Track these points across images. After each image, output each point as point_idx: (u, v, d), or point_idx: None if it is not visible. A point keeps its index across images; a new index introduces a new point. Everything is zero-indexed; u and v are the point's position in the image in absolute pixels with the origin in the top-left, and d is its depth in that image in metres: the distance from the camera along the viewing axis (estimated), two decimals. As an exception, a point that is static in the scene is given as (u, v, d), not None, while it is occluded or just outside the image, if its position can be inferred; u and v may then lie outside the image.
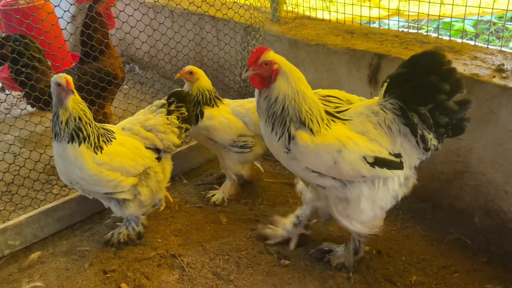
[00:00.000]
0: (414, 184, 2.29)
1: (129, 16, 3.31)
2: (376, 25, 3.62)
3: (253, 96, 2.25)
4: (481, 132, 2.55)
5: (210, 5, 3.72)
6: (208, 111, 2.94)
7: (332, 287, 2.40)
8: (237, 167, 3.06)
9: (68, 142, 2.34)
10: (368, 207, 2.20)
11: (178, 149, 3.27)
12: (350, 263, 2.47)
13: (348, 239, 2.50)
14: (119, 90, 3.59)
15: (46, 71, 3.25)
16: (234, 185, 3.14)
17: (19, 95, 4.00)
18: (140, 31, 3.43)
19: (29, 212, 2.81)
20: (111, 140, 2.50)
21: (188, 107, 2.78)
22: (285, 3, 3.94)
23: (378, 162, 2.08)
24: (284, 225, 2.72)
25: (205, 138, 2.98)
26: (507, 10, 2.68)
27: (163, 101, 2.76)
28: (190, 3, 3.61)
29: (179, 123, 2.73)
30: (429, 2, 2.97)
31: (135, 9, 3.41)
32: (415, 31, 3.29)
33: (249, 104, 3.02)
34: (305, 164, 2.13)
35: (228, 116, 2.96)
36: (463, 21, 3.17)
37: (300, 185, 2.55)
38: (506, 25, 2.95)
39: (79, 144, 2.35)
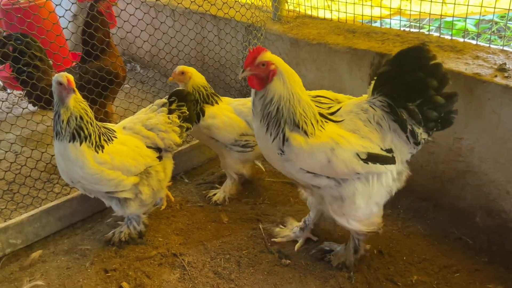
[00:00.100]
0: (407, 177, 2.29)
1: (130, 15, 3.31)
2: (377, 24, 3.61)
3: (254, 95, 2.25)
4: (482, 131, 2.55)
5: (212, 4, 3.72)
6: (209, 110, 2.94)
7: (333, 286, 2.39)
8: (238, 166, 3.06)
9: (69, 141, 2.34)
10: (364, 204, 2.21)
11: (179, 148, 3.27)
12: (350, 262, 2.48)
13: (348, 238, 2.50)
14: (120, 89, 3.59)
15: (48, 70, 3.25)
16: (235, 184, 3.14)
17: (20, 94, 4.01)
18: (142, 30, 3.43)
19: (30, 211, 2.81)
20: (112, 139, 2.50)
21: (189, 106, 2.78)
22: (287, 2, 3.94)
23: (371, 158, 2.10)
24: (292, 227, 2.76)
25: (207, 137, 2.98)
26: (509, 9, 2.67)
27: (164, 100, 2.76)
28: (192, 2, 3.61)
29: (180, 122, 2.73)
30: (431, 1, 2.97)
31: (136, 8, 3.41)
32: (417, 30, 3.28)
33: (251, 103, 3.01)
34: (299, 165, 2.14)
35: (230, 115, 2.96)
36: (465, 21, 3.16)
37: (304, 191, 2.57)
38: (508, 25, 2.94)
39: (80, 143, 2.35)
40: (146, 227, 2.83)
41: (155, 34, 3.60)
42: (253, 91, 2.15)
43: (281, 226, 2.83)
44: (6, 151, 2.94)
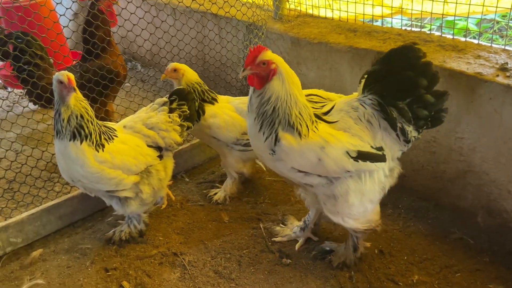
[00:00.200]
0: (399, 173, 2.29)
1: (131, 13, 3.31)
2: (379, 23, 3.60)
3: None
4: (484, 131, 2.54)
5: (213, 3, 3.71)
6: (210, 109, 2.93)
7: (334, 286, 2.39)
8: (239, 165, 3.05)
9: (70, 140, 2.34)
10: (357, 202, 2.21)
11: (180, 147, 3.28)
12: (351, 260, 2.48)
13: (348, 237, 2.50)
14: (121, 88, 3.59)
15: (48, 68, 3.24)
16: (235, 183, 3.14)
17: (21, 92, 4.00)
18: (142, 29, 3.43)
19: (31, 209, 2.81)
20: (112, 138, 2.50)
21: (190, 105, 2.78)
22: (288, 1, 3.93)
23: (361, 156, 2.10)
24: (293, 226, 2.76)
25: (208, 136, 2.98)
26: (511, 8, 2.67)
27: (165, 99, 2.76)
28: (193, 1, 3.61)
29: (181, 121, 2.72)
30: (433, 1, 2.96)
31: (137, 7, 3.40)
32: (418, 29, 3.28)
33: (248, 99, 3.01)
34: (290, 165, 2.14)
35: (232, 114, 2.95)
36: (467, 20, 3.15)
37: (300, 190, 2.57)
38: (509, 24, 2.93)
39: (81, 142, 2.34)
40: (147, 226, 2.83)
41: (156, 33, 3.60)
42: (251, 88, 2.16)
43: (281, 225, 2.83)
44: (7, 150, 2.94)
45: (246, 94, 3.87)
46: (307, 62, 3.45)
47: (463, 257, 2.56)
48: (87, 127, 2.36)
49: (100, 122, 2.49)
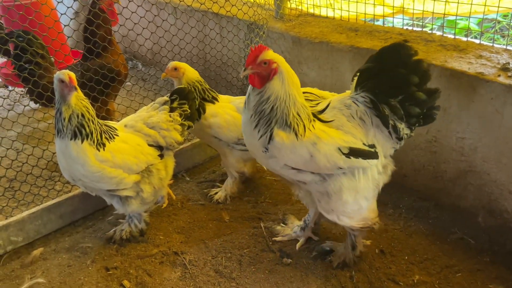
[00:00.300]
0: (392, 170, 2.29)
1: (132, 12, 3.30)
2: (380, 22, 3.60)
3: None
4: (485, 131, 2.54)
5: (214, 2, 3.71)
6: (211, 108, 2.93)
7: (335, 286, 2.39)
8: (239, 164, 3.05)
9: (70, 139, 2.34)
10: (351, 199, 2.21)
11: (181, 147, 3.28)
12: (350, 259, 2.48)
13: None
14: (122, 87, 3.59)
15: (49, 67, 3.24)
16: (236, 183, 3.14)
17: (22, 91, 4.00)
18: (143, 28, 3.43)
19: (31, 208, 2.81)
20: (113, 137, 2.50)
21: (190, 104, 2.78)
22: (289, 0, 3.92)
23: (353, 153, 2.11)
24: (294, 225, 2.76)
25: (209, 135, 2.97)
26: (512, 8, 2.66)
27: (165, 98, 2.76)
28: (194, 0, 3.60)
29: (181, 120, 2.72)
30: (434, 0, 2.95)
31: (138, 6, 3.40)
32: (420, 29, 3.27)
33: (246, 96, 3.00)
34: (283, 161, 2.15)
35: (233, 113, 2.95)
36: (468, 19, 3.15)
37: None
38: (511, 24, 2.93)
39: (82, 141, 2.34)
40: (147, 225, 2.83)
41: (157, 32, 3.59)
42: (250, 85, 2.16)
43: (282, 224, 2.83)
44: (8, 149, 2.94)
45: (247, 94, 3.88)
46: (308, 61, 3.44)
47: (463, 257, 2.56)
48: (88, 126, 2.36)
49: (101, 121, 2.49)
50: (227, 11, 3.75)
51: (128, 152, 2.50)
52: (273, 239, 2.73)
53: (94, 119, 2.40)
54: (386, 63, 2.06)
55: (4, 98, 2.91)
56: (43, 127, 3.33)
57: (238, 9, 3.74)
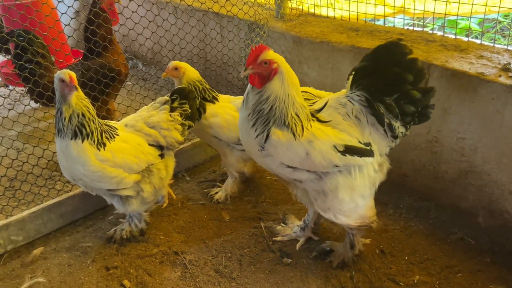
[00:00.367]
0: (388, 168, 2.30)
1: (133, 12, 3.30)
2: (381, 22, 3.59)
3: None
4: (486, 131, 2.54)
5: (214, 2, 3.70)
6: (212, 108, 2.93)
7: (335, 286, 2.39)
8: (240, 164, 3.05)
9: (71, 139, 2.34)
10: (347, 197, 2.21)
11: (181, 146, 3.28)
12: (349, 258, 2.48)
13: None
14: (122, 87, 3.58)
15: (50, 66, 3.24)
16: (236, 182, 3.13)
17: (22, 90, 4.01)
18: (144, 28, 3.43)
19: (32, 207, 2.81)
20: (114, 137, 2.50)
21: (191, 104, 2.78)
22: (290, 0, 3.92)
23: (349, 150, 2.11)
24: (294, 225, 2.76)
25: (209, 135, 2.97)
26: (513, 8, 2.66)
27: (166, 97, 2.75)
28: (194, -1, 3.60)
29: (182, 120, 2.72)
30: (435, 0, 2.95)
31: (139, 5, 3.40)
32: (421, 29, 3.27)
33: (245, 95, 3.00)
34: (279, 160, 2.15)
35: (233, 113, 2.94)
36: (469, 19, 3.15)
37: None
38: (512, 24, 2.93)
39: (82, 141, 2.34)
40: (148, 225, 2.83)
41: (158, 32, 3.59)
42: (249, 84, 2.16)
43: (282, 224, 2.83)
44: (8, 148, 2.94)
45: (247, 93, 3.87)
46: (308, 61, 3.44)
47: (464, 258, 2.55)
48: (89, 126, 2.36)
49: (101, 121, 2.49)
50: (227, 11, 3.75)
51: (129, 151, 2.50)
52: (273, 239, 2.73)
53: (95, 118, 2.40)
54: (381, 61, 2.07)
55: (5, 98, 2.91)
56: (43, 126, 3.33)
57: (239, 9, 3.74)
